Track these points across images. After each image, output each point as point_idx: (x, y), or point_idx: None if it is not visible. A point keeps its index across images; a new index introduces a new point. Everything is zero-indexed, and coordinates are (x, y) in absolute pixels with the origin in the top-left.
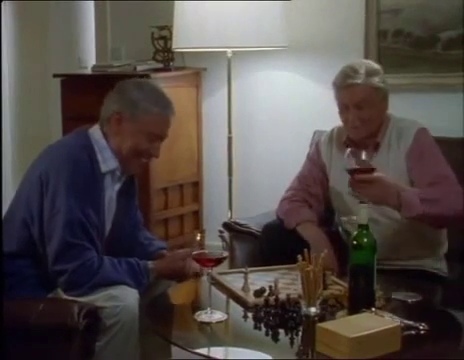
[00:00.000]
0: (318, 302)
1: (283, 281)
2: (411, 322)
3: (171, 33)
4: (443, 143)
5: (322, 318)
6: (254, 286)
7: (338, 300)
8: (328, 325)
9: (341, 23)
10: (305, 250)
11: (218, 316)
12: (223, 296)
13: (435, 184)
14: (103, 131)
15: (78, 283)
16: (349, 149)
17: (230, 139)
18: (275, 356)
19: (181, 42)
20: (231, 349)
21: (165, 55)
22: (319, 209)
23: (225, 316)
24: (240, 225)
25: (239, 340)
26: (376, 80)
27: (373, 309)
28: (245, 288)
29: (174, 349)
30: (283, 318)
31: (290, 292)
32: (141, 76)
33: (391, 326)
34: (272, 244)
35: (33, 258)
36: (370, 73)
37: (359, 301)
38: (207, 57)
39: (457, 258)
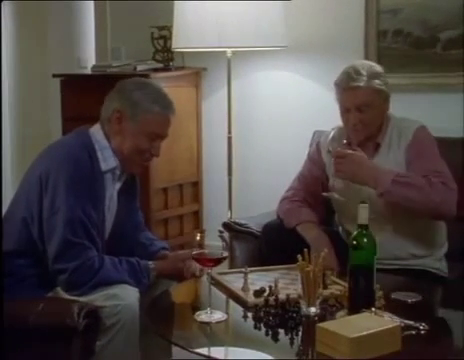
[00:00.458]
0: (318, 302)
1: (283, 281)
2: (411, 322)
3: (171, 33)
4: (443, 143)
5: (322, 318)
6: (254, 286)
7: (338, 300)
8: (328, 325)
9: (341, 23)
10: (305, 250)
11: (218, 316)
12: (223, 296)
13: (426, 177)
14: (104, 131)
15: (79, 282)
16: (345, 141)
17: (230, 139)
18: (275, 356)
19: (181, 42)
20: (231, 349)
21: (165, 55)
22: (319, 209)
23: (225, 316)
24: (240, 225)
25: (239, 340)
26: (378, 82)
27: (373, 309)
28: (245, 288)
29: (174, 349)
30: (283, 318)
31: (290, 292)
32: (141, 76)
33: (391, 326)
34: (272, 244)
35: (33, 257)
36: (372, 75)
37: (359, 301)
38: (207, 57)
39: (457, 258)
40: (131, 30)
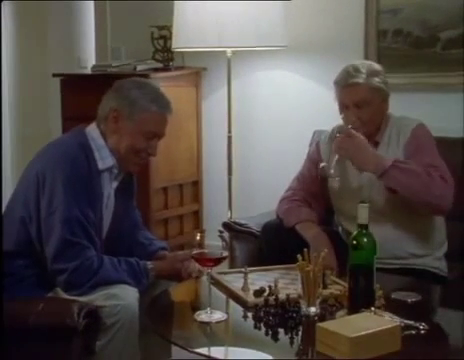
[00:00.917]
0: (318, 302)
1: (283, 281)
2: (411, 322)
3: (171, 33)
4: (443, 143)
5: (322, 318)
6: (254, 286)
7: (338, 300)
8: (328, 325)
9: (341, 23)
10: (305, 250)
11: (218, 316)
12: (223, 296)
13: (426, 170)
14: (100, 129)
15: (78, 282)
16: (350, 125)
17: (230, 139)
18: (275, 356)
19: (181, 42)
20: (231, 349)
21: (165, 55)
22: (319, 208)
23: (225, 316)
24: (240, 225)
25: (239, 340)
26: (377, 80)
27: (373, 309)
28: (245, 288)
29: (174, 349)
30: (283, 318)
31: (290, 292)
32: (141, 76)
33: (391, 326)
34: (272, 244)
35: (31, 258)
36: (372, 73)
37: (359, 301)
38: (207, 57)
39: (457, 258)
40: (131, 30)
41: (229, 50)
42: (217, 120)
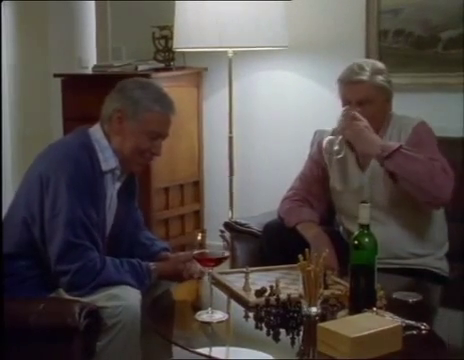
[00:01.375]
0: (319, 302)
1: (284, 281)
2: (412, 322)
3: (172, 33)
4: (443, 143)
5: (323, 318)
6: (255, 286)
7: (339, 300)
8: (329, 325)
9: (342, 23)
10: (306, 250)
11: (219, 316)
12: (224, 296)
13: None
14: (104, 130)
15: (81, 283)
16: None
17: (231, 139)
18: (276, 356)
19: (182, 42)
20: (232, 349)
21: (166, 55)
22: (320, 209)
23: (226, 316)
24: (241, 225)
25: (240, 340)
26: (381, 78)
27: (374, 309)
28: (246, 288)
29: (175, 349)
30: (284, 318)
31: (291, 292)
32: (142, 76)
33: (392, 326)
34: (273, 244)
35: (34, 259)
36: (376, 72)
37: (360, 301)
38: (208, 57)
39: (458, 258)
40: (132, 30)
41: (230, 50)
42: (218, 120)
